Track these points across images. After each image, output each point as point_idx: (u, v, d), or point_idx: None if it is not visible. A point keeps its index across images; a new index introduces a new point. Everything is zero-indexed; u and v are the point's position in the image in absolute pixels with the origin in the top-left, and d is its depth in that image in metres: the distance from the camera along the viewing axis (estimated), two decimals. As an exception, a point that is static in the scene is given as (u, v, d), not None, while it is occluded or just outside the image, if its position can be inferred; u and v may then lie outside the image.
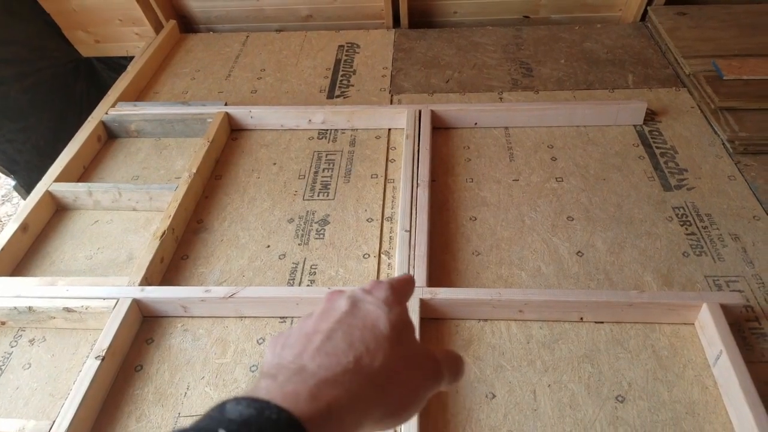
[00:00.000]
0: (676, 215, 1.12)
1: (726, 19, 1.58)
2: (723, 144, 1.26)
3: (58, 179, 1.24)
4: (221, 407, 0.30)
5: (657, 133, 1.31)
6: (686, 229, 1.09)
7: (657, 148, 1.27)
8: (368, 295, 0.40)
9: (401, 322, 0.39)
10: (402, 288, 0.42)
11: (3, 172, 1.73)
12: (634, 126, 1.33)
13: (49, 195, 1.22)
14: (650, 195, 1.16)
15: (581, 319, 0.95)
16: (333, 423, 0.31)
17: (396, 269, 1.01)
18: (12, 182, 1.76)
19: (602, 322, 0.94)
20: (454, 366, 0.41)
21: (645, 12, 1.69)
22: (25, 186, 1.73)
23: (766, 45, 1.46)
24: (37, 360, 0.97)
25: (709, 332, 0.88)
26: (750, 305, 0.95)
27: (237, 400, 0.30)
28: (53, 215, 1.24)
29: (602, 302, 0.92)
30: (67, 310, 0.98)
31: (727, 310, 0.89)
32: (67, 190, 1.23)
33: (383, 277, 1.05)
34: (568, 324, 0.95)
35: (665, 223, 1.10)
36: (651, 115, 1.34)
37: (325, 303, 0.40)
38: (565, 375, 0.88)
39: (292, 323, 0.98)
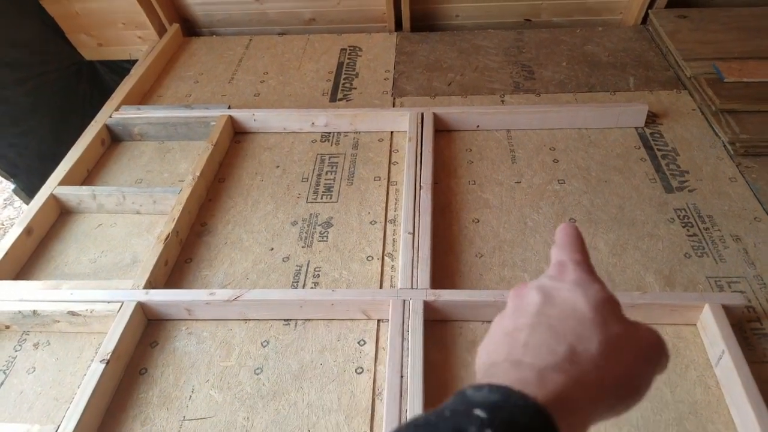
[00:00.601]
0: (678, 217, 1.12)
1: (726, 21, 1.59)
2: (724, 146, 1.26)
3: (63, 182, 1.25)
4: (461, 392, 0.29)
5: (658, 136, 1.31)
6: (688, 230, 1.10)
7: (658, 150, 1.28)
8: (556, 281, 0.37)
9: (602, 298, 0.35)
10: (582, 256, 0.39)
11: (3, 176, 1.74)
12: (636, 128, 1.34)
13: (53, 198, 1.23)
14: (652, 197, 1.17)
15: (584, 320, 0.95)
16: (569, 409, 0.30)
17: (399, 272, 1.02)
18: (10, 185, 1.76)
19: (605, 324, 0.95)
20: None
21: (646, 15, 1.70)
22: (26, 189, 1.74)
23: (765, 48, 1.47)
24: (42, 364, 0.97)
25: (711, 333, 0.88)
26: (752, 306, 0.95)
27: (476, 387, 0.29)
28: (57, 218, 1.24)
29: (605, 304, 0.92)
30: (72, 313, 0.98)
31: (728, 310, 0.89)
32: (72, 194, 1.23)
33: (387, 280, 1.05)
34: (571, 325, 0.95)
35: (667, 224, 1.11)
36: (652, 118, 1.35)
37: (514, 300, 0.38)
38: (569, 376, 0.88)
39: (296, 326, 0.99)
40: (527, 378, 0.30)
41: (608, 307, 0.35)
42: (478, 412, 0.27)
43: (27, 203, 1.62)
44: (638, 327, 0.35)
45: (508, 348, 0.34)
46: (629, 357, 0.34)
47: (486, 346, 0.37)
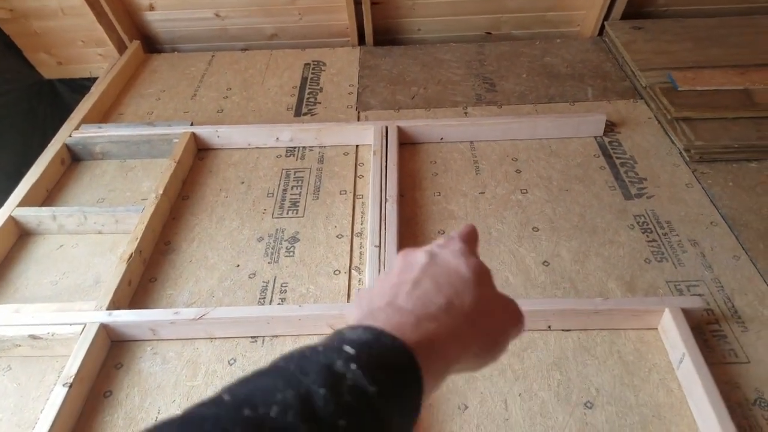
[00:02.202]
0: (638, 223, 1.15)
1: (680, 32, 1.64)
2: (680, 153, 1.30)
3: (21, 204, 1.22)
4: (339, 332, 0.32)
5: (617, 144, 1.35)
6: (647, 236, 1.12)
7: (617, 158, 1.31)
8: (443, 248, 0.41)
9: (480, 267, 0.40)
10: (471, 239, 0.44)
11: None
12: (595, 137, 1.37)
13: (12, 220, 1.20)
14: (612, 204, 1.19)
15: (549, 327, 0.96)
16: (436, 353, 0.33)
17: (366, 285, 1.02)
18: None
19: (569, 330, 0.96)
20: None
21: (602, 27, 1.74)
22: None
23: (718, 57, 1.52)
24: (2, 389, 0.94)
25: (671, 336, 0.90)
26: (710, 308, 0.98)
27: (353, 327, 0.32)
28: (17, 241, 1.21)
29: (568, 310, 0.94)
30: (33, 337, 0.96)
31: (688, 314, 0.91)
32: (31, 215, 1.20)
33: (354, 292, 1.05)
34: (537, 333, 0.97)
35: (627, 231, 1.14)
36: (611, 127, 1.38)
37: (402, 260, 0.41)
38: (535, 383, 0.90)
39: (263, 343, 0.98)
40: (405, 323, 0.33)
41: (484, 274, 0.40)
42: (347, 348, 0.30)
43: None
44: (504, 296, 0.41)
45: (390, 297, 0.37)
46: (495, 316, 0.39)
47: (368, 294, 0.39)
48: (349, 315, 0.41)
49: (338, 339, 0.31)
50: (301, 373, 0.28)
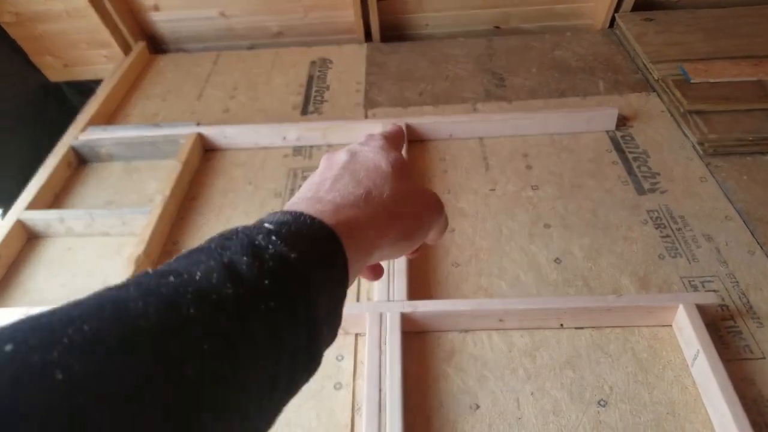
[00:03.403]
0: (651, 218, 1.13)
1: (692, 23, 1.61)
2: (693, 146, 1.28)
3: (29, 207, 1.22)
4: (260, 219, 0.33)
5: (629, 138, 1.32)
6: (661, 231, 1.10)
7: (630, 152, 1.29)
8: (364, 145, 0.43)
9: (399, 162, 0.41)
10: (394, 137, 0.46)
11: None
12: (607, 132, 1.35)
13: (20, 224, 1.20)
14: (625, 200, 1.18)
15: (561, 325, 0.95)
16: (355, 235, 0.34)
17: (375, 284, 1.01)
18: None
19: (582, 328, 0.95)
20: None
21: (613, 19, 1.72)
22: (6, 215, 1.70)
23: (731, 47, 1.49)
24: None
25: (686, 333, 0.89)
26: (725, 304, 0.96)
27: (271, 213, 0.34)
28: (25, 244, 1.21)
29: (581, 308, 0.92)
30: (41, 340, 0.95)
31: (702, 310, 0.90)
32: (39, 218, 1.20)
33: (363, 293, 1.04)
34: (549, 331, 0.95)
35: (640, 226, 1.12)
36: (623, 121, 1.36)
37: (324, 161, 0.43)
38: (548, 382, 0.88)
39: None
40: (325, 210, 0.35)
41: (403, 168, 0.41)
42: (267, 225, 0.31)
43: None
44: (423, 188, 0.43)
45: (313, 191, 0.38)
46: (413, 207, 0.40)
47: (292, 198, 0.40)
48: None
49: (257, 222, 0.32)
50: (223, 249, 0.29)
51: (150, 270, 0.27)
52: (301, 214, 0.33)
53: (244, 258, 0.28)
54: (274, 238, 0.30)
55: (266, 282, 0.28)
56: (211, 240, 0.31)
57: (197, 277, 0.26)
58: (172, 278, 0.26)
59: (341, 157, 0.42)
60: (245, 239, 0.30)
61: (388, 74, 1.62)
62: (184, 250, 0.31)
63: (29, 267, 1.17)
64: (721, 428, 0.79)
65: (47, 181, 1.29)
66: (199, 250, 0.30)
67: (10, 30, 1.72)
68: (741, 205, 1.13)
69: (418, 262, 1.08)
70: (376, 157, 0.41)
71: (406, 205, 0.39)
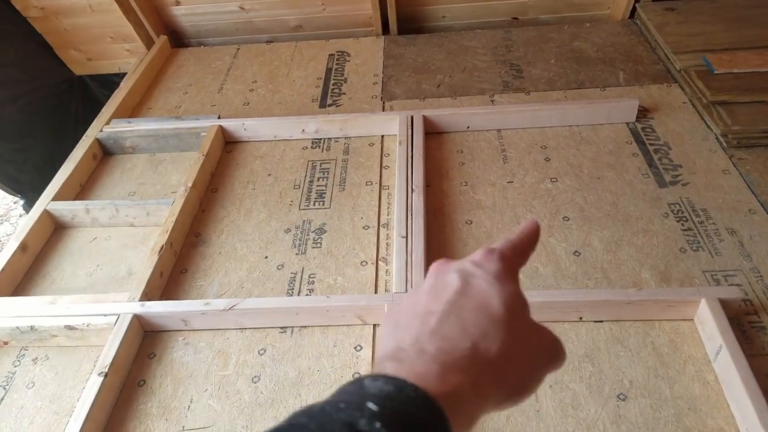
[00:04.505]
0: (672, 211, 1.12)
1: (714, 13, 1.59)
2: (716, 138, 1.26)
3: (56, 198, 1.25)
4: (359, 382, 0.30)
5: (650, 130, 1.31)
6: (682, 224, 1.09)
7: (650, 144, 1.28)
8: (478, 268, 0.38)
9: (514, 299, 0.36)
10: (516, 256, 0.40)
11: (9, 193, 1.75)
12: (627, 123, 1.34)
13: (47, 214, 1.22)
14: (645, 192, 1.17)
15: (580, 318, 0.95)
16: (459, 406, 0.31)
17: (393, 275, 1.01)
18: (19, 201, 1.78)
19: (601, 321, 0.95)
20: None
21: (633, 9, 1.70)
22: (30, 206, 1.74)
23: (754, 37, 1.47)
24: (41, 379, 0.97)
25: (708, 327, 0.88)
26: (749, 299, 0.95)
27: (373, 377, 0.30)
28: (52, 234, 1.24)
29: (601, 301, 0.92)
30: (69, 328, 0.98)
31: (725, 304, 0.89)
32: (65, 209, 1.23)
33: (382, 284, 1.05)
34: (568, 324, 0.95)
35: (661, 219, 1.11)
36: (643, 112, 1.35)
37: (433, 278, 0.39)
38: (567, 375, 0.88)
39: (292, 333, 0.98)
40: (429, 372, 0.31)
41: (518, 307, 0.36)
42: (370, 405, 0.28)
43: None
44: (540, 330, 0.37)
45: (416, 332, 0.35)
46: (526, 359, 0.35)
47: (396, 320, 0.37)
48: (379, 337, 0.39)
49: (360, 393, 0.29)
50: None
51: None
52: (405, 384, 0.30)
53: None
54: (378, 424, 0.27)
55: None
56: (312, 414, 0.28)
57: None
58: None
59: (452, 281, 0.37)
60: (346, 421, 0.27)
61: (406, 66, 1.62)
62: (279, 424, 0.28)
63: (56, 257, 1.19)
64: (744, 424, 0.79)
65: (73, 172, 1.31)
66: (298, 429, 0.27)
67: (36, 24, 1.75)
68: (765, 197, 1.12)
69: (435, 254, 1.08)
70: (489, 292, 0.36)
71: (518, 359, 0.35)
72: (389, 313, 0.39)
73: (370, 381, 0.30)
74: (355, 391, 0.30)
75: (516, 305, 0.36)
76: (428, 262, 1.04)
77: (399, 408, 0.28)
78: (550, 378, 0.87)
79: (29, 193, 1.75)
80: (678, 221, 1.10)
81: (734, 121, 1.25)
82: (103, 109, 1.51)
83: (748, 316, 0.93)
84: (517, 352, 0.35)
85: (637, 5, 1.68)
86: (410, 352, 0.33)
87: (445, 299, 0.36)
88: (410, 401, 0.29)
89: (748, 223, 1.08)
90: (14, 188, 1.74)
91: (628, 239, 1.08)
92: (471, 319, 0.35)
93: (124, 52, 1.85)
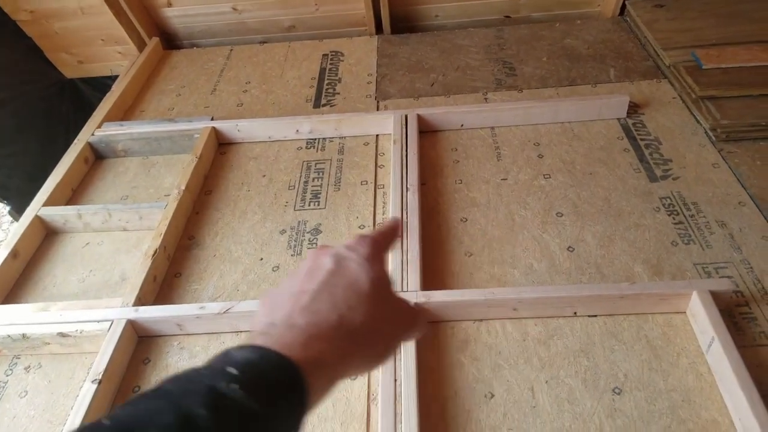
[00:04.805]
0: (663, 205, 1.13)
1: (703, 9, 1.60)
2: (706, 132, 1.27)
3: (47, 203, 1.24)
4: (225, 353, 0.33)
5: (641, 125, 1.32)
6: (674, 218, 1.10)
7: (641, 140, 1.28)
8: (351, 252, 0.43)
9: (379, 278, 0.42)
10: (383, 241, 0.46)
11: None
12: (618, 119, 1.34)
13: (38, 220, 1.22)
14: (637, 187, 1.17)
15: (575, 313, 0.95)
16: (321, 370, 0.35)
17: (389, 274, 1.02)
18: (4, 207, 1.76)
19: (596, 316, 0.95)
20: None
21: (623, 6, 1.71)
22: (19, 211, 1.73)
23: (742, 33, 1.48)
24: (34, 387, 0.96)
25: (700, 320, 0.89)
26: (740, 290, 0.96)
27: (240, 347, 0.33)
28: (43, 240, 1.23)
29: (594, 296, 0.93)
30: (62, 335, 0.98)
31: (717, 296, 0.90)
32: (57, 214, 1.23)
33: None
34: (563, 319, 0.96)
35: (653, 213, 1.12)
36: (634, 108, 1.36)
37: (311, 261, 0.43)
38: (562, 370, 0.89)
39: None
40: (295, 342, 0.35)
41: (383, 284, 0.42)
42: (231, 369, 0.31)
43: (17, 224, 1.62)
44: (399, 303, 0.43)
45: (289, 309, 0.39)
46: (385, 328, 0.41)
47: (273, 300, 0.41)
48: (256, 315, 0.42)
49: (224, 360, 0.32)
50: (184, 396, 0.29)
51: (106, 421, 0.28)
52: (268, 352, 0.33)
53: (203, 411, 0.28)
54: (236, 386, 0.30)
55: None
56: (177, 380, 0.31)
57: None
58: None
59: (326, 263, 0.42)
60: (207, 384, 0.30)
61: (399, 65, 1.63)
62: (147, 389, 0.30)
63: (47, 263, 1.19)
64: (737, 415, 0.80)
65: (64, 177, 1.31)
66: (162, 394, 0.30)
67: (26, 28, 1.74)
68: (754, 190, 1.13)
69: (430, 252, 1.09)
70: (358, 272, 0.41)
71: (378, 330, 0.40)
72: (266, 296, 0.42)
73: (236, 351, 0.33)
74: (220, 359, 0.32)
75: (381, 283, 0.42)
76: (424, 261, 1.04)
77: (259, 372, 0.32)
78: (545, 374, 0.88)
79: (16, 199, 1.74)
80: (669, 215, 1.11)
81: (723, 115, 1.26)
82: (94, 113, 1.50)
83: (740, 308, 0.94)
84: (378, 323, 0.40)
85: (626, 2, 1.69)
86: (280, 327, 0.37)
87: (318, 279, 0.41)
88: (271, 366, 0.32)
89: (737, 215, 1.09)
90: (1, 194, 1.72)
91: (620, 234, 1.08)
92: (341, 295, 0.40)
93: (116, 55, 1.84)
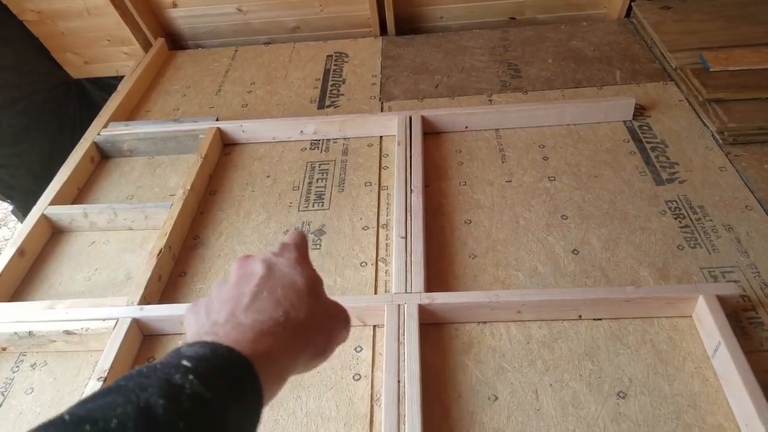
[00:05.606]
0: (670, 209, 1.12)
1: (710, 11, 1.59)
2: (713, 135, 1.27)
3: (53, 202, 1.25)
4: (177, 350, 0.33)
5: (647, 128, 1.31)
6: (680, 222, 1.10)
7: (647, 142, 1.28)
8: (279, 257, 0.44)
9: (312, 278, 0.44)
10: (303, 245, 0.48)
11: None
12: (624, 122, 1.34)
13: (44, 218, 1.22)
14: (643, 190, 1.17)
15: (580, 317, 0.95)
16: (271, 364, 0.36)
17: (393, 276, 1.02)
18: (9, 206, 1.77)
19: (601, 319, 0.95)
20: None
21: (630, 8, 1.70)
22: (23, 210, 1.74)
23: (750, 35, 1.47)
24: (40, 384, 0.97)
25: (706, 324, 0.88)
26: (746, 295, 0.95)
27: (190, 344, 0.34)
28: (50, 238, 1.24)
29: (599, 299, 0.92)
30: (68, 332, 0.98)
31: (723, 300, 0.89)
32: (63, 213, 1.23)
33: (381, 285, 1.05)
34: (567, 322, 0.95)
35: (659, 217, 1.11)
36: (640, 110, 1.35)
37: (239, 270, 0.44)
38: (566, 373, 0.89)
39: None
40: (243, 338, 0.36)
41: (317, 284, 0.44)
42: (185, 362, 0.32)
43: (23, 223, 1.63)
44: (333, 302, 0.45)
45: (230, 309, 0.39)
46: (325, 325, 0.42)
47: (206, 305, 0.41)
48: (187, 325, 0.42)
49: (176, 356, 0.33)
50: (140, 389, 0.29)
51: (66, 416, 0.28)
52: (218, 345, 0.34)
53: (160, 401, 0.29)
54: (191, 377, 0.31)
55: (181, 424, 0.28)
56: (130, 377, 0.31)
57: (113, 425, 0.27)
58: (88, 427, 0.27)
59: (257, 268, 0.43)
60: (162, 378, 0.30)
61: (404, 67, 1.63)
62: (102, 387, 0.30)
63: (54, 261, 1.19)
64: (743, 420, 0.79)
65: (71, 176, 1.31)
66: (116, 389, 0.30)
67: (33, 28, 1.75)
68: (762, 194, 1.12)
69: (435, 253, 1.09)
70: (291, 273, 0.42)
71: (319, 324, 0.41)
72: (197, 304, 0.43)
73: (187, 347, 0.34)
74: (172, 355, 0.33)
75: (315, 282, 0.43)
76: (428, 262, 1.04)
77: (212, 365, 0.32)
78: (550, 377, 0.88)
79: (20, 198, 1.75)
80: (675, 219, 1.10)
81: (730, 118, 1.25)
82: (100, 112, 1.51)
83: (746, 312, 0.93)
84: (320, 319, 0.42)
85: (633, 4, 1.68)
86: (226, 325, 0.37)
87: (254, 283, 0.41)
88: (223, 360, 0.33)
89: (744, 219, 1.08)
90: (5, 193, 1.73)
91: (626, 237, 1.08)
92: (282, 294, 0.41)
93: (122, 55, 1.85)
